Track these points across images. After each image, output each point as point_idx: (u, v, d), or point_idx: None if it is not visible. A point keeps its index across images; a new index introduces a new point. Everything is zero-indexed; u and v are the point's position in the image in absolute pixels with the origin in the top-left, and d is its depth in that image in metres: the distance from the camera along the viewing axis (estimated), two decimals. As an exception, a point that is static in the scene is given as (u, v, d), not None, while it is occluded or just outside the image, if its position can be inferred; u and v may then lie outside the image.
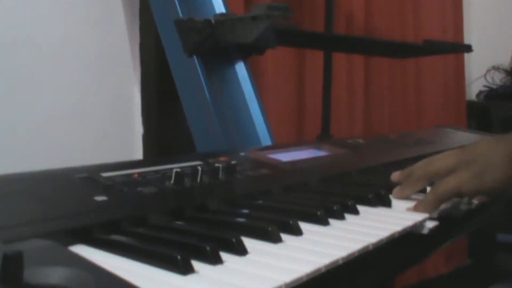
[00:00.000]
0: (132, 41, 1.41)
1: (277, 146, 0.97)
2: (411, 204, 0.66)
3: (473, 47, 1.60)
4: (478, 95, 2.58)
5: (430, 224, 0.62)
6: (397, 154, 1.02)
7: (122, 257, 0.43)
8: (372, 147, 1.05)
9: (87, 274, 0.35)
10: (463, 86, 2.53)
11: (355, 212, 0.61)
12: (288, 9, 0.97)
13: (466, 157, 0.68)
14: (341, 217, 0.58)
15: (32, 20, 1.21)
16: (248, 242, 0.46)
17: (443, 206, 0.66)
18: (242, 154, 0.80)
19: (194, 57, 1.01)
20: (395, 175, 0.74)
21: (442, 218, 0.64)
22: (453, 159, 0.68)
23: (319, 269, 0.42)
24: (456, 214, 0.69)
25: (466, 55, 2.48)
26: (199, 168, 0.63)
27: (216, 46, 1.02)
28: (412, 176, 0.71)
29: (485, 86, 2.55)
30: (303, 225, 0.53)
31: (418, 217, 0.61)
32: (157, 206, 0.56)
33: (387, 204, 0.67)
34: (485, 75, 2.55)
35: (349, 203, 0.62)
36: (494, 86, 2.52)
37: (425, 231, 0.61)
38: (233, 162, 0.69)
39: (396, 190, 0.72)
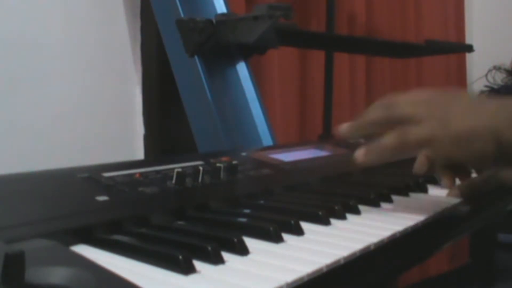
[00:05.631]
0: (133, 41, 1.41)
1: (279, 146, 0.97)
2: (412, 205, 0.66)
3: (475, 47, 1.60)
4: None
5: None
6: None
7: (124, 257, 0.43)
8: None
9: (88, 274, 0.35)
10: (465, 86, 2.52)
11: (357, 212, 0.61)
12: (290, 9, 0.97)
13: (439, 114, 0.60)
14: (343, 217, 0.58)
15: (33, 20, 1.21)
16: (249, 242, 0.46)
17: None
18: (243, 154, 0.80)
19: (196, 57, 1.01)
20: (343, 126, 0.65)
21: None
22: (424, 110, 0.60)
23: (320, 269, 0.42)
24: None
25: (467, 55, 2.48)
26: (201, 168, 0.63)
27: (218, 46, 1.02)
28: (366, 118, 0.62)
29: (486, 86, 2.54)
30: (304, 225, 0.53)
31: (421, 217, 0.61)
32: (158, 206, 0.56)
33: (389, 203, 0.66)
34: (486, 75, 2.55)
35: (351, 203, 0.61)
36: (495, 86, 2.52)
37: None
38: (235, 162, 0.69)
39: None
